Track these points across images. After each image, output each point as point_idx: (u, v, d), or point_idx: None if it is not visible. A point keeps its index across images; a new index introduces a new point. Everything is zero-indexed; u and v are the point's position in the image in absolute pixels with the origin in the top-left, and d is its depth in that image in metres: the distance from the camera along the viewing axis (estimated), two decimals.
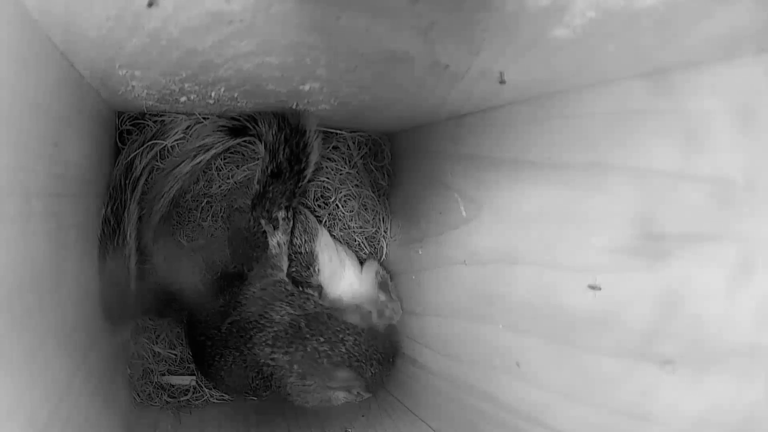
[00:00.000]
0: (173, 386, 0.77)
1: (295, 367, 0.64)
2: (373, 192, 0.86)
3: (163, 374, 0.77)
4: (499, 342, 0.58)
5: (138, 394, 0.75)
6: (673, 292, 0.38)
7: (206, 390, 0.78)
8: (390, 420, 0.75)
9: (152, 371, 0.76)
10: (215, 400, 0.79)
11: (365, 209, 0.85)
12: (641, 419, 0.41)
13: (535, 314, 0.52)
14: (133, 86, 0.55)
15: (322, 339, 0.64)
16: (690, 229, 0.37)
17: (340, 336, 0.64)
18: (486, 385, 0.60)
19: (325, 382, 0.66)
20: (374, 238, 0.87)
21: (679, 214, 0.38)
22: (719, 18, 0.30)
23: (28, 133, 0.36)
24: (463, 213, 0.65)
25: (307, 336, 0.64)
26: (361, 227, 0.86)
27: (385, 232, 0.87)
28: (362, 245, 0.86)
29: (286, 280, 0.70)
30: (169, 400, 0.76)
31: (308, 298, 0.69)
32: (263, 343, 0.65)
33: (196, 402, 0.78)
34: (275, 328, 0.65)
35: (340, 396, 0.69)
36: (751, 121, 0.34)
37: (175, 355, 0.78)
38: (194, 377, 0.78)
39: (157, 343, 0.77)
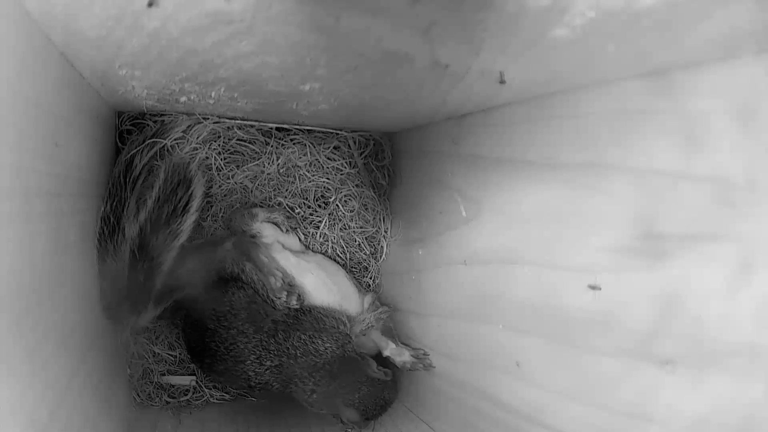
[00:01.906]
0: (173, 386, 0.77)
1: (315, 396, 0.71)
2: (374, 192, 0.86)
3: (163, 374, 0.77)
4: (499, 342, 0.58)
5: (138, 394, 0.75)
6: (673, 292, 0.38)
7: (206, 390, 0.78)
8: (390, 420, 0.75)
9: (152, 371, 0.76)
10: (215, 400, 0.79)
11: (366, 209, 0.85)
12: (641, 419, 0.41)
13: (535, 314, 0.52)
14: (133, 86, 0.55)
15: (344, 384, 0.71)
16: (690, 229, 0.37)
17: (358, 386, 0.71)
18: (486, 385, 0.60)
19: (331, 411, 0.73)
20: (374, 238, 0.87)
21: (679, 214, 0.38)
22: (719, 18, 0.30)
23: (29, 133, 0.36)
24: (463, 213, 0.65)
25: (336, 376, 0.72)
26: (361, 227, 0.86)
27: (385, 232, 0.87)
28: (362, 245, 0.86)
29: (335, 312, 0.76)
30: (169, 400, 0.76)
31: (349, 341, 0.75)
32: (305, 366, 0.71)
33: (196, 402, 0.78)
34: (318, 359, 0.71)
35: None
36: (751, 121, 0.34)
37: (174, 356, 0.78)
38: (194, 377, 0.78)
39: (156, 343, 0.77)
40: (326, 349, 0.72)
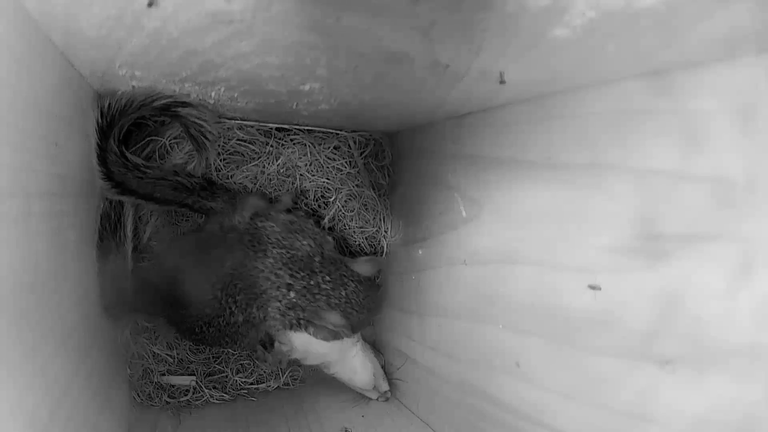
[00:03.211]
0: (173, 386, 0.77)
1: (292, 294, 0.66)
2: (374, 192, 0.86)
3: (163, 374, 0.77)
4: (499, 342, 0.58)
5: (138, 394, 0.75)
6: (673, 292, 0.38)
7: (206, 390, 0.78)
8: (390, 420, 0.75)
9: (152, 371, 0.76)
10: (215, 401, 0.79)
11: (366, 209, 0.85)
12: (641, 419, 0.41)
13: (535, 314, 0.52)
14: (133, 86, 0.55)
15: (328, 278, 0.67)
16: (690, 229, 0.37)
17: (344, 280, 0.67)
18: (486, 385, 0.60)
19: (312, 318, 0.67)
20: (375, 237, 0.87)
21: (679, 214, 0.38)
22: (719, 18, 0.30)
23: (29, 132, 0.36)
24: (463, 213, 0.65)
25: (317, 270, 0.67)
26: (361, 227, 0.86)
27: (385, 231, 0.87)
28: (362, 245, 0.86)
29: (312, 222, 0.73)
30: (169, 400, 0.76)
31: (329, 242, 0.71)
32: (279, 258, 0.66)
33: (196, 402, 0.78)
34: (294, 253, 0.67)
35: (316, 348, 0.71)
36: (751, 121, 0.34)
37: (174, 356, 0.78)
38: (194, 377, 0.78)
39: (156, 344, 0.77)
40: (303, 246, 0.67)
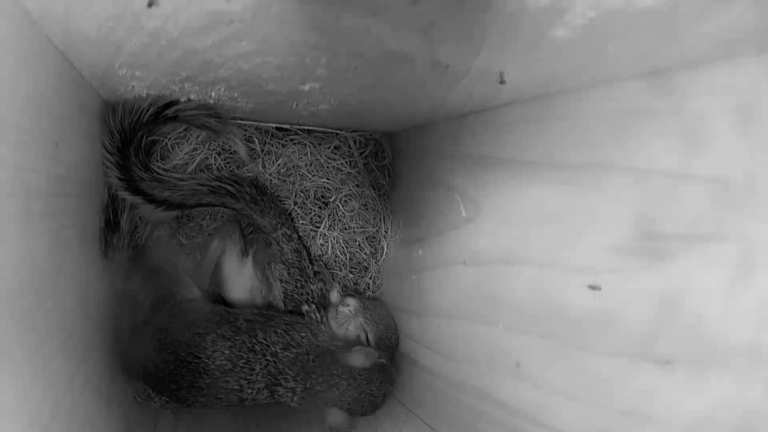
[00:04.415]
0: None
1: (295, 398, 0.67)
2: (374, 192, 0.86)
3: None
4: (499, 342, 0.58)
5: (138, 394, 0.75)
6: (673, 292, 0.38)
7: None
8: (390, 420, 0.75)
9: None
10: None
11: (366, 209, 0.85)
12: (641, 419, 0.41)
13: (535, 314, 0.52)
14: (133, 86, 0.55)
15: (320, 379, 0.66)
16: (690, 229, 0.37)
17: (335, 380, 0.66)
18: (486, 385, 0.60)
19: (318, 412, 0.68)
20: (375, 238, 0.87)
21: (679, 214, 0.38)
22: (719, 18, 0.30)
23: (29, 132, 0.37)
24: (463, 213, 0.65)
25: (310, 371, 0.66)
26: (361, 227, 0.85)
27: (385, 232, 0.87)
28: (362, 245, 0.86)
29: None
30: (169, 399, 0.76)
31: (321, 331, 0.72)
32: (286, 361, 0.67)
33: None
34: (297, 350, 0.68)
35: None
36: (751, 121, 0.34)
37: None
38: None
39: None
40: (303, 338, 0.68)
